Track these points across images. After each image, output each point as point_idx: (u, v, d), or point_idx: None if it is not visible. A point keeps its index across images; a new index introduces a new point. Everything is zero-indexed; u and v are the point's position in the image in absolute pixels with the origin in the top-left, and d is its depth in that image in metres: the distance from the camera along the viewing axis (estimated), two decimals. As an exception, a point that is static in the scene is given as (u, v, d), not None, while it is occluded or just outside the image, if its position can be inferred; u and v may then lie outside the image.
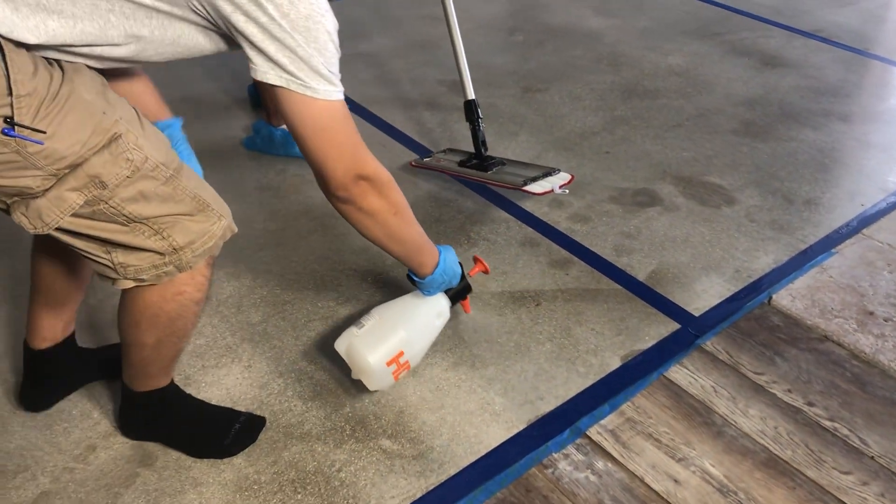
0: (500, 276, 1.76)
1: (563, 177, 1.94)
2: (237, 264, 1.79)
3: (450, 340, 1.59)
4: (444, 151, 2.16)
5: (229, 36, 1.05)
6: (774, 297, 1.70)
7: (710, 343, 1.59)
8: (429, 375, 1.51)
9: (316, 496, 1.29)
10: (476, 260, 1.56)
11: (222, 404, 1.45)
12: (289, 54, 1.02)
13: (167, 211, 1.09)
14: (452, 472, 1.33)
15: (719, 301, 1.69)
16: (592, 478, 1.32)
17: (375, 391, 1.44)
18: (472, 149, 2.07)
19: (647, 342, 1.59)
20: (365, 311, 1.45)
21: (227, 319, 1.64)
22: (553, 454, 1.37)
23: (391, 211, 1.23)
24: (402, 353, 1.37)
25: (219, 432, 1.36)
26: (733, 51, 2.86)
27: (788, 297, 1.70)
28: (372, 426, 1.41)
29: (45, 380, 1.43)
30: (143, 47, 1.04)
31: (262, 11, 0.99)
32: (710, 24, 3.10)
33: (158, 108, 1.29)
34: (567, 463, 1.35)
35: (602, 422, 1.42)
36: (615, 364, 1.54)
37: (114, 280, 1.14)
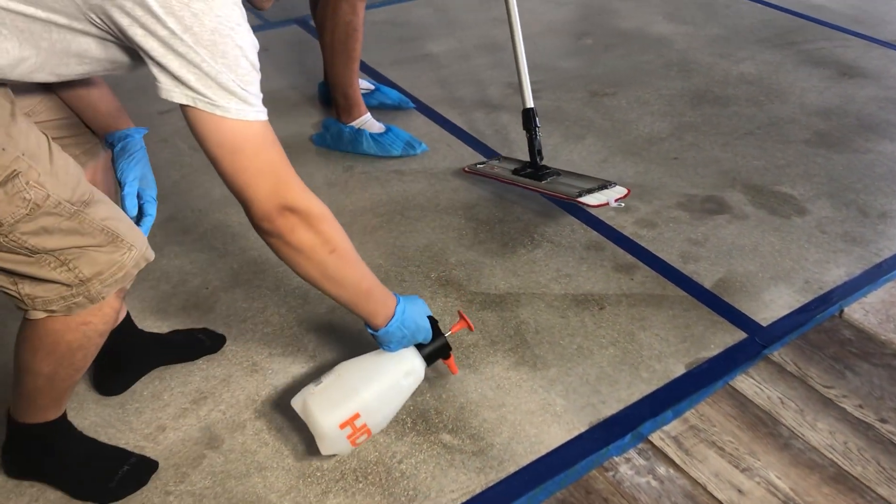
0: (564, 279, 1.76)
1: (618, 190, 1.89)
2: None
3: (511, 340, 1.59)
4: (498, 159, 2.14)
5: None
6: (846, 310, 1.66)
7: (778, 354, 1.56)
8: (490, 374, 1.52)
9: (377, 486, 1.31)
10: (460, 316, 1.41)
11: (288, 392, 1.48)
12: (194, 70, 0.95)
13: (73, 244, 1.04)
14: (512, 469, 1.34)
15: (788, 312, 1.66)
16: (654, 483, 1.31)
17: (333, 454, 1.32)
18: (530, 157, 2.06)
19: (713, 350, 1.57)
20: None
21: (295, 310, 1.67)
22: (614, 458, 1.36)
23: (326, 248, 1.13)
24: (357, 416, 1.26)
25: (105, 474, 1.29)
26: (809, 60, 2.79)
27: (861, 311, 1.66)
28: (433, 420, 1.43)
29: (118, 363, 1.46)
30: (44, 62, 0.98)
31: (162, 25, 0.92)
32: (784, 32, 3.04)
33: (117, 117, 1.27)
34: (628, 467, 1.34)
35: (665, 428, 1.41)
36: (679, 371, 1.52)
37: (25, 311, 1.10)
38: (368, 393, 1.28)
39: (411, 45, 2.82)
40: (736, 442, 1.38)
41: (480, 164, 2.11)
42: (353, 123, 2.21)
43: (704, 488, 1.30)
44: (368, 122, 2.22)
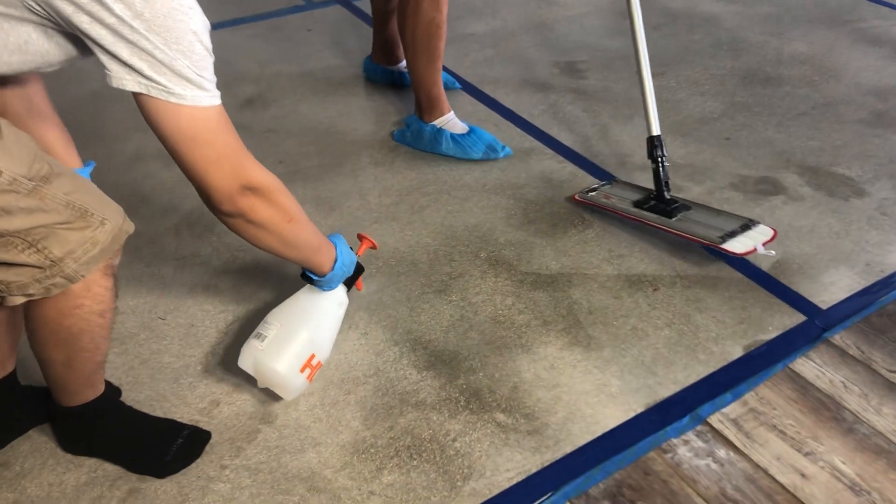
0: (616, 260, 1.73)
1: (763, 231, 1.67)
2: (354, 235, 1.81)
3: (564, 320, 1.57)
4: (610, 184, 1.92)
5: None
6: (909, 293, 1.62)
7: (839, 337, 1.52)
8: (543, 354, 1.50)
9: (431, 463, 1.30)
10: (361, 238, 1.51)
11: (340, 368, 1.48)
12: (146, 58, 0.91)
13: (37, 223, 0.99)
14: (568, 449, 1.32)
15: (849, 295, 1.62)
16: (714, 465, 1.28)
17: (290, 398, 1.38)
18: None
19: (771, 333, 1.53)
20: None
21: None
22: (672, 439, 1.33)
23: (285, 219, 1.15)
24: (312, 357, 1.34)
25: (159, 447, 1.29)
26: (863, 39, 2.72)
27: (925, 295, 1.61)
28: (486, 399, 1.41)
29: None
30: None
31: (109, 12, 0.89)
32: (838, 11, 2.96)
33: (63, 155, 1.22)
34: (687, 449, 1.32)
35: (724, 410, 1.38)
36: (737, 353, 1.49)
37: (2, 298, 1.05)
38: (316, 333, 1.35)
39: (454, 24, 2.79)
40: (798, 426, 1.35)
41: (591, 190, 1.89)
42: (435, 122, 2.11)
43: (766, 472, 1.27)
44: (451, 121, 2.12)
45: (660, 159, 1.78)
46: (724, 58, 2.60)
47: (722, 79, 2.47)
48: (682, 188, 1.95)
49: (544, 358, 1.49)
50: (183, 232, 1.84)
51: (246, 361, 1.33)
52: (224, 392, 1.44)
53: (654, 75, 2.44)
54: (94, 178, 1.89)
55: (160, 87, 0.94)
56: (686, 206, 1.78)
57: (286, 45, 2.73)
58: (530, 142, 2.16)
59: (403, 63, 2.35)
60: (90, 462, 1.31)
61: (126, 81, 0.94)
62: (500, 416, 1.38)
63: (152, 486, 1.28)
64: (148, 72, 0.92)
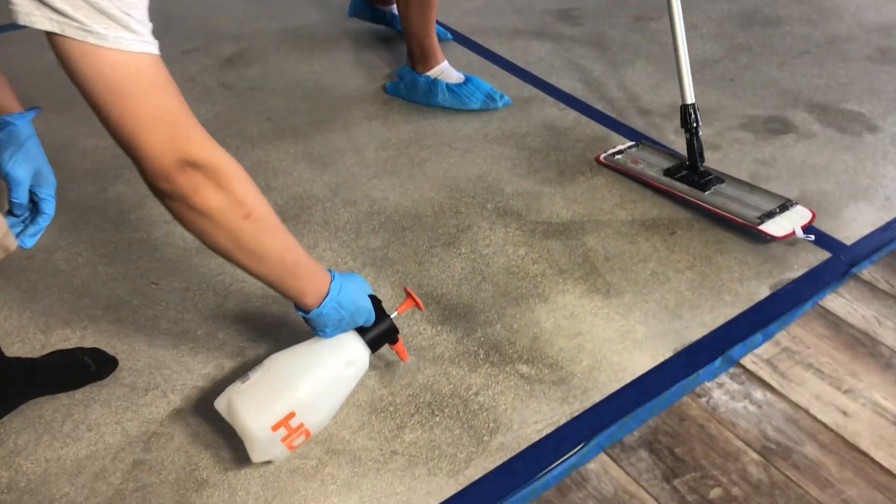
0: (629, 205, 1.66)
1: (801, 213, 1.56)
2: (352, 191, 1.73)
3: (580, 268, 1.50)
4: (636, 146, 1.81)
5: None
6: (934, 226, 1.56)
7: (868, 272, 1.46)
8: (561, 303, 1.43)
9: (454, 419, 1.23)
10: (407, 293, 1.23)
11: (349, 327, 1.40)
12: None
13: None
14: (597, 398, 1.26)
15: (872, 230, 1.56)
16: (751, 408, 1.22)
17: (266, 461, 1.15)
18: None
19: (797, 271, 1.47)
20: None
21: (347, 245, 1.58)
22: (706, 383, 1.27)
23: (239, 212, 0.93)
24: (292, 415, 1.09)
25: (76, 366, 1.30)
26: (859, -23, 2.65)
27: (950, 227, 1.56)
28: (506, 351, 1.34)
29: None
30: None
31: None
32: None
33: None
34: (722, 392, 1.26)
35: (756, 351, 1.32)
36: (764, 293, 1.43)
37: None
38: (304, 388, 1.10)
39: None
40: (834, 363, 1.29)
41: (617, 152, 1.78)
42: (429, 73, 2.00)
43: (807, 412, 1.21)
44: (445, 71, 2.02)
45: (694, 128, 1.65)
46: (720, 0, 2.53)
47: (720, 21, 2.40)
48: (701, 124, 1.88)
49: (563, 307, 1.42)
50: (171, 195, 1.73)
51: (221, 402, 1.11)
52: (228, 355, 1.36)
53: (650, 20, 2.38)
54: (72, 140, 1.78)
55: (76, 24, 0.78)
56: (720, 178, 1.66)
57: (266, 2, 2.61)
58: (529, 90, 2.08)
59: (395, 6, 2.24)
60: (89, 435, 1.22)
61: (35, 18, 0.78)
62: (523, 368, 1.31)
63: (158, 455, 1.20)
64: (61, 5, 0.77)
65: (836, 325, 1.36)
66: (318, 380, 1.12)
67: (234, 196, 0.92)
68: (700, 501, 1.10)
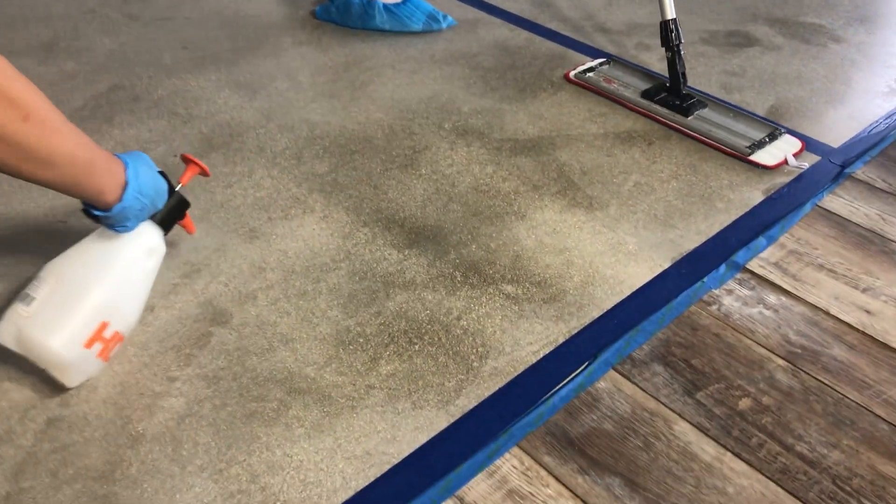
0: (599, 118, 1.51)
1: (790, 141, 1.43)
2: (287, 115, 1.52)
3: (556, 183, 1.35)
4: (607, 63, 1.66)
5: None
6: (918, 126, 1.48)
7: (862, 172, 1.36)
8: (541, 219, 1.27)
9: (437, 346, 1.05)
10: (187, 160, 1.09)
11: (301, 256, 1.20)
12: None
13: None
14: (596, 314, 1.10)
15: (857, 132, 1.47)
16: (767, 312, 1.09)
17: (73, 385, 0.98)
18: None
19: (788, 175, 1.36)
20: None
21: (288, 171, 1.38)
22: (713, 290, 1.14)
23: (16, 115, 0.78)
24: (105, 326, 0.94)
25: None
26: None
27: (934, 126, 1.48)
28: (486, 272, 1.17)
29: None
30: None
31: None
32: None
33: None
34: (732, 299, 1.12)
35: (761, 255, 1.20)
36: (758, 198, 1.31)
37: None
38: (108, 292, 0.95)
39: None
40: (847, 263, 1.17)
41: (588, 70, 1.64)
42: None
43: (827, 313, 1.09)
44: None
45: (676, 47, 1.49)
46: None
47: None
48: (652, 46, 1.75)
49: (544, 223, 1.26)
50: (75, 128, 1.49)
51: (6, 332, 0.93)
52: (159, 294, 1.14)
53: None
54: None
55: None
56: (702, 102, 1.52)
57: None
58: (474, 13, 1.91)
59: None
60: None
61: None
62: (508, 288, 1.14)
63: (79, 410, 0.98)
64: None
65: (840, 224, 1.24)
66: (121, 279, 0.98)
67: (6, 95, 0.77)
68: (729, 413, 0.96)
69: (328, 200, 1.31)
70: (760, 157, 1.38)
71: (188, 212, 1.10)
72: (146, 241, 1.01)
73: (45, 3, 1.93)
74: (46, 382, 1.01)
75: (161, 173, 1.03)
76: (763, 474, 0.89)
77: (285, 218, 1.28)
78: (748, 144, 1.40)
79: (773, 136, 1.43)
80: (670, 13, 1.49)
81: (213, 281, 1.16)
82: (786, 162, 1.37)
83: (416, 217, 1.28)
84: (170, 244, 1.20)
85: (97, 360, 0.97)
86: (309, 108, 1.55)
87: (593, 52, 1.72)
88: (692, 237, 1.23)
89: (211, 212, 1.29)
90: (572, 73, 1.62)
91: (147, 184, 0.97)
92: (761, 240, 1.21)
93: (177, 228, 1.11)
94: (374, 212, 1.29)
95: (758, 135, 1.43)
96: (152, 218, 1.03)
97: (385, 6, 1.78)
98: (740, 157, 1.39)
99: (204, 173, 1.10)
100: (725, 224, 1.25)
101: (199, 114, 1.53)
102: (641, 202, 1.30)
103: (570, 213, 1.28)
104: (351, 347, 1.06)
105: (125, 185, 0.93)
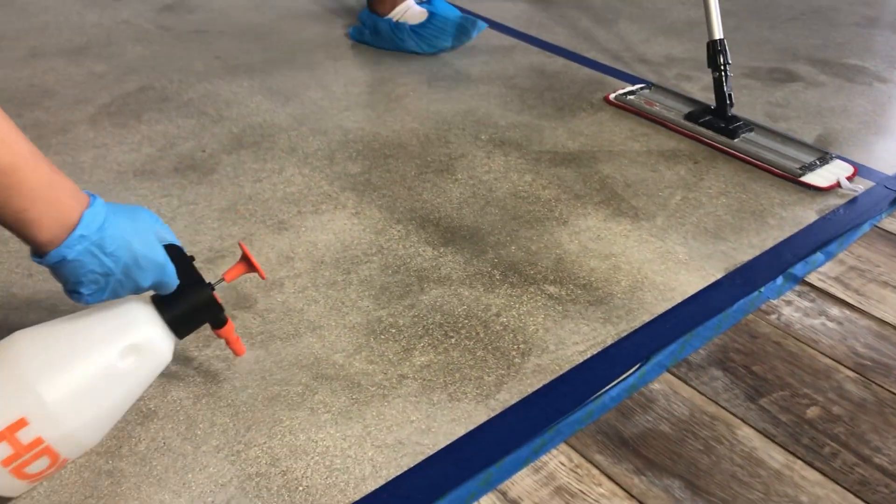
0: (642, 137, 1.47)
1: (842, 166, 1.36)
2: (320, 121, 1.48)
3: (599, 193, 1.29)
4: (648, 87, 1.62)
5: None
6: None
7: (921, 198, 1.30)
8: (584, 225, 1.21)
9: (475, 340, 0.98)
10: (242, 251, 0.83)
11: (332, 248, 1.14)
12: None
13: None
14: (646, 318, 1.02)
15: (911, 162, 1.41)
16: (830, 324, 1.02)
17: None
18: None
19: (842, 198, 1.30)
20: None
21: (320, 170, 1.33)
22: (771, 300, 1.06)
23: None
24: (22, 423, 0.69)
25: None
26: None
27: None
28: (527, 272, 1.10)
29: None
30: None
31: None
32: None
33: None
34: (792, 309, 1.04)
35: (820, 269, 1.12)
36: (811, 217, 1.24)
37: None
38: (47, 386, 0.69)
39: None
40: (912, 280, 1.10)
41: (629, 93, 1.59)
42: (390, 15, 1.75)
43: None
44: (409, 10, 1.75)
45: (723, 67, 1.44)
46: (694, -22, 2.42)
47: (698, -7, 2.28)
48: (692, 77, 1.72)
49: (587, 229, 1.20)
50: (102, 121, 1.45)
51: None
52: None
53: (628, -14, 2.24)
54: None
55: None
56: (748, 125, 1.46)
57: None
58: (510, 41, 1.88)
59: None
60: None
61: None
62: (551, 289, 1.07)
63: (88, 384, 0.89)
64: None
65: (902, 245, 1.18)
66: (74, 375, 0.71)
67: None
68: (796, 421, 0.87)
69: (360, 198, 1.26)
70: (812, 178, 1.32)
71: (235, 330, 0.86)
72: (129, 333, 0.74)
73: (79, 12, 1.92)
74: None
75: (175, 248, 0.78)
76: (840, 485, 0.80)
77: (315, 212, 1.22)
78: (799, 167, 1.34)
79: (823, 160, 1.37)
80: (718, 33, 1.46)
81: (238, 267, 1.09)
82: (839, 185, 1.31)
83: (451, 217, 1.22)
84: (193, 231, 1.15)
85: (9, 477, 0.70)
86: (342, 116, 1.51)
87: (633, 80, 1.69)
88: (745, 250, 1.16)
89: (238, 203, 1.23)
90: (612, 96, 1.58)
91: (117, 242, 0.69)
92: (819, 255, 1.14)
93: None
94: (407, 210, 1.23)
95: (808, 158, 1.38)
96: (161, 309, 0.78)
97: (413, 28, 1.75)
98: (791, 179, 1.33)
99: (259, 275, 0.83)
100: (779, 239, 1.19)
101: (230, 115, 1.49)
102: (690, 215, 1.24)
103: (614, 221, 1.22)
104: (382, 337, 0.98)
105: (74, 228, 0.67)
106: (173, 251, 0.77)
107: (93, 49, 1.72)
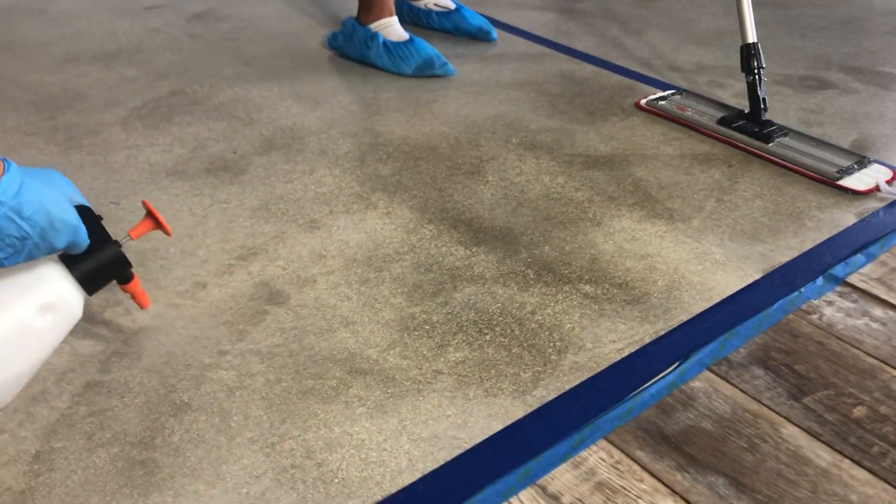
0: (674, 141, 1.45)
1: (880, 170, 1.33)
2: (350, 125, 1.48)
3: (633, 195, 1.27)
4: (680, 93, 1.60)
5: None
6: None
7: (962, 201, 1.27)
8: (618, 227, 1.19)
9: (510, 337, 0.96)
10: (147, 210, 0.87)
11: (363, 246, 1.13)
12: None
13: None
14: (684, 317, 1.01)
15: (950, 167, 1.38)
16: (874, 325, 0.99)
17: None
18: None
19: (882, 201, 1.27)
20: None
21: (351, 172, 1.33)
22: (812, 301, 1.04)
23: None
24: None
25: None
26: (857, -23, 2.59)
27: None
28: (561, 271, 1.09)
29: None
30: None
31: None
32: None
33: None
34: (834, 310, 1.02)
35: (861, 271, 1.10)
36: (850, 220, 1.22)
37: None
38: None
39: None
40: (957, 282, 1.07)
41: (660, 98, 1.58)
42: (371, 25, 1.75)
43: (942, 328, 0.99)
44: (390, 27, 1.76)
45: (757, 71, 1.42)
46: (722, -10, 2.41)
47: (726, 3, 2.26)
48: (724, 84, 1.70)
49: (622, 230, 1.18)
50: (133, 123, 1.46)
51: None
52: (211, 273, 1.07)
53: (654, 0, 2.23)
54: (11, 76, 1.48)
55: None
56: (783, 130, 1.43)
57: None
58: (539, 49, 1.88)
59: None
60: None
61: None
62: (586, 287, 1.06)
63: (119, 376, 0.89)
64: None
65: (944, 247, 1.15)
66: None
67: None
68: (843, 420, 0.85)
69: (391, 199, 1.25)
70: (850, 182, 1.30)
71: (138, 279, 0.89)
72: (43, 293, 0.76)
73: (110, 20, 1.94)
74: (88, 349, 0.94)
75: (84, 208, 0.81)
76: (890, 484, 0.78)
77: (347, 212, 1.21)
78: (836, 170, 1.32)
79: (861, 164, 1.34)
80: (752, 36, 1.45)
81: (271, 264, 1.09)
82: (878, 188, 1.29)
83: (483, 218, 1.21)
84: (225, 229, 1.15)
85: None
86: (372, 120, 1.50)
87: (664, 86, 1.68)
88: (783, 251, 1.14)
89: (270, 202, 1.23)
90: (644, 101, 1.57)
91: (33, 204, 0.72)
92: (860, 256, 1.12)
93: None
94: (439, 211, 1.22)
95: (845, 162, 1.35)
96: (70, 267, 0.80)
97: (385, 42, 1.71)
98: (828, 183, 1.30)
99: (165, 231, 0.87)
100: (818, 241, 1.17)
101: (260, 119, 1.49)
102: (726, 217, 1.22)
103: (649, 222, 1.21)
104: (416, 333, 0.97)
105: None
106: (83, 211, 0.80)
107: (124, 55, 1.74)
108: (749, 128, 1.44)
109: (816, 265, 1.10)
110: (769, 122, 1.45)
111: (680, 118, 1.51)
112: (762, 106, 1.44)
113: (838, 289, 1.07)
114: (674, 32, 2.02)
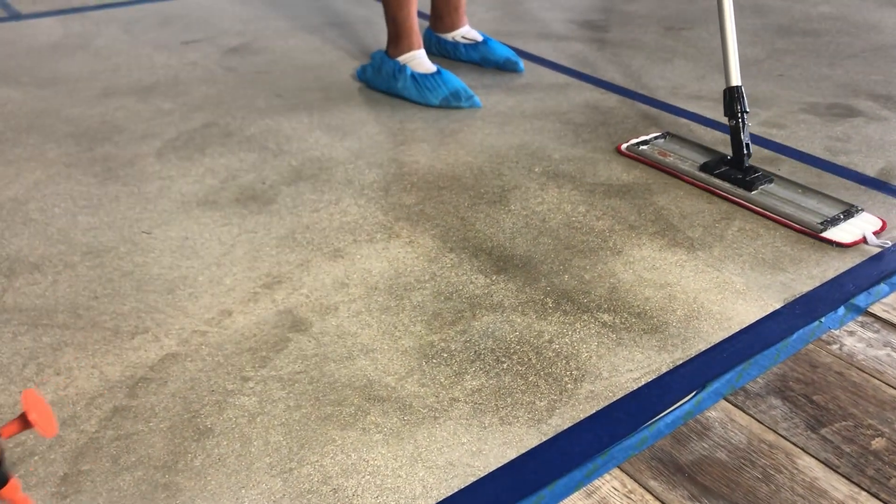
0: (697, 170, 1.46)
1: (869, 220, 1.29)
2: (376, 155, 1.51)
3: (654, 224, 1.28)
4: (663, 137, 1.57)
5: None
6: None
7: None
8: (638, 256, 1.20)
9: (527, 366, 0.97)
10: (24, 403, 0.64)
11: (385, 275, 1.15)
12: None
13: None
14: (702, 347, 1.01)
15: (979, 196, 1.37)
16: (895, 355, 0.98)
17: None
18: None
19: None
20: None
21: (376, 201, 1.35)
22: (833, 331, 1.03)
23: None
24: None
25: None
26: (889, 2, 2.57)
27: None
28: (580, 300, 1.10)
29: None
30: None
31: None
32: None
33: None
34: (855, 340, 1.02)
35: (884, 300, 1.09)
36: (873, 249, 1.21)
37: None
38: None
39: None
40: (983, 312, 1.06)
41: (642, 143, 1.54)
42: (399, 58, 1.80)
43: (966, 359, 0.97)
44: (417, 59, 1.80)
45: (740, 115, 1.39)
46: (750, 17, 2.42)
47: (755, 32, 2.27)
48: (750, 113, 1.70)
49: (641, 259, 1.19)
50: (168, 155, 1.50)
51: None
52: (238, 301, 1.10)
53: (680, 29, 2.25)
54: (54, 109, 1.55)
55: None
56: (767, 176, 1.39)
57: (271, 4, 2.46)
58: (565, 79, 1.90)
59: (461, 31, 2.03)
60: (57, 380, 0.95)
61: None
62: (604, 317, 1.06)
63: (146, 401, 0.92)
64: None
65: (971, 277, 1.14)
66: None
67: None
68: (861, 452, 0.84)
69: (414, 228, 1.27)
70: (835, 234, 1.24)
71: (17, 482, 0.69)
72: None
73: (148, 55, 2.01)
74: (117, 374, 0.97)
75: None
76: (908, 518, 0.77)
77: (370, 241, 1.24)
78: (820, 221, 1.27)
79: (848, 214, 1.29)
80: (735, 79, 1.41)
81: (295, 292, 1.12)
82: (864, 240, 1.23)
83: (504, 247, 1.22)
84: (251, 258, 1.17)
85: None
86: (398, 150, 1.53)
87: (688, 115, 1.69)
88: (804, 280, 1.14)
89: (297, 231, 1.26)
90: (624, 147, 1.53)
91: None
92: (883, 286, 1.11)
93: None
94: (460, 240, 1.24)
95: (831, 211, 1.30)
96: None
97: (413, 74, 1.75)
98: (812, 235, 1.25)
99: (41, 433, 0.65)
100: (841, 270, 1.16)
101: (290, 149, 1.53)
102: (747, 246, 1.22)
103: (669, 251, 1.21)
104: (434, 361, 0.98)
105: None
106: None
107: (161, 88, 1.80)
108: (731, 174, 1.39)
109: (838, 294, 1.10)
110: (753, 169, 1.40)
111: (660, 164, 1.47)
112: (745, 151, 1.39)
113: (860, 318, 1.06)
114: (699, 61, 2.03)
